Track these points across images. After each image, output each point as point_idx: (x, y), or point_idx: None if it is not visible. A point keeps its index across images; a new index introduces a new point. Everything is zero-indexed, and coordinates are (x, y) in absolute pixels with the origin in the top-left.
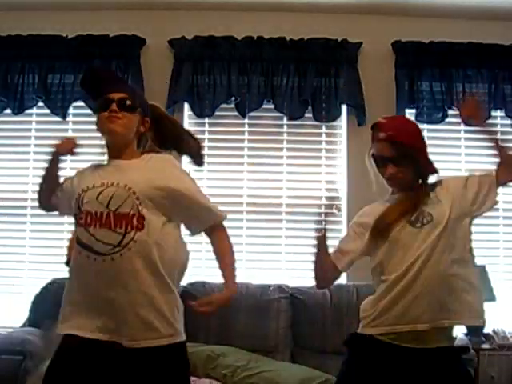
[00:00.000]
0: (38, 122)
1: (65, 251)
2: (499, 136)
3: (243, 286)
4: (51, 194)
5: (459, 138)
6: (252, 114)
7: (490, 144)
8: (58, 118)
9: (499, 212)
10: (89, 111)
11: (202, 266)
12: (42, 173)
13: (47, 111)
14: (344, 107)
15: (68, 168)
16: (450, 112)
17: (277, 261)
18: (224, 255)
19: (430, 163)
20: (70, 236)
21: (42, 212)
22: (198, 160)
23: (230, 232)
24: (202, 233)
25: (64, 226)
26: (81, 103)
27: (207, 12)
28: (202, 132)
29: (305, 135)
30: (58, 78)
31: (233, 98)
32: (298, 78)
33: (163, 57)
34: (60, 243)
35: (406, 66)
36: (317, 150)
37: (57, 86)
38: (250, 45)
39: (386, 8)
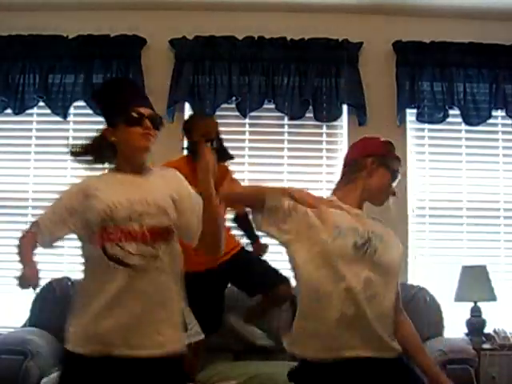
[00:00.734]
0: (38, 122)
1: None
2: None
3: None
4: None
5: (460, 138)
6: (253, 113)
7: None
8: (58, 118)
9: (499, 212)
10: (89, 111)
11: None
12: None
13: (48, 111)
14: (345, 107)
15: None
16: (451, 112)
17: (277, 261)
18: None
19: None
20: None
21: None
22: None
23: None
24: None
25: None
26: (82, 103)
27: (208, 12)
28: None
29: (306, 135)
30: (58, 78)
31: (233, 98)
32: (298, 78)
33: (164, 57)
34: (60, 243)
35: (406, 65)
36: (318, 150)
37: (57, 86)
38: (251, 45)
39: (386, 8)
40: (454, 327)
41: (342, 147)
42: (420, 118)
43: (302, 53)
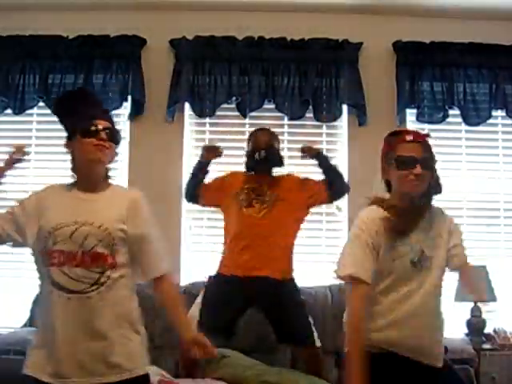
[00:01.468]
0: (38, 122)
1: None
2: None
3: None
4: None
5: (460, 138)
6: (253, 113)
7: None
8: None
9: (500, 212)
10: None
11: (202, 265)
12: None
13: (48, 111)
14: (345, 107)
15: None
16: (451, 112)
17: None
18: (176, 307)
19: (439, 179)
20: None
21: None
22: None
23: None
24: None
25: None
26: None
27: (208, 12)
28: (203, 132)
29: (305, 135)
30: (58, 78)
31: (234, 98)
32: (298, 78)
33: (164, 57)
34: None
35: (406, 65)
36: None
37: (57, 86)
38: (251, 45)
39: (386, 8)
40: (454, 327)
41: (342, 147)
42: (420, 118)
43: (301, 53)
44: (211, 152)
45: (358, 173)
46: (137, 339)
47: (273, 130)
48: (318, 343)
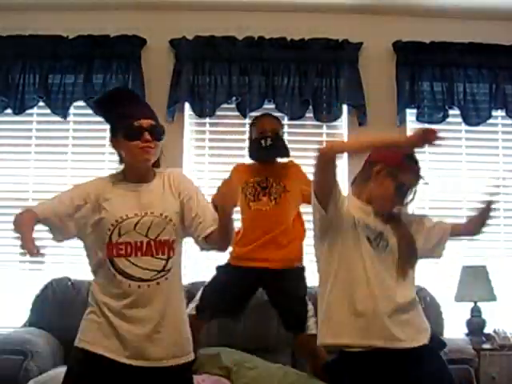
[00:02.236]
0: (38, 122)
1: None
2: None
3: None
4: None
5: (460, 138)
6: (253, 113)
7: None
8: (58, 118)
9: (500, 212)
10: (89, 111)
11: (203, 266)
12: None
13: (48, 111)
14: (345, 107)
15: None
16: (451, 112)
17: None
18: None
19: None
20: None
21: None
22: None
23: None
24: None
25: None
26: (81, 103)
27: (208, 12)
28: (203, 132)
29: (306, 135)
30: (58, 78)
31: (233, 98)
32: (298, 78)
33: (164, 57)
34: (60, 243)
35: (406, 65)
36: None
37: (57, 86)
38: (251, 45)
39: (386, 8)
40: (454, 327)
41: None
42: (420, 118)
43: (301, 53)
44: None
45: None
46: (188, 324)
47: None
48: (311, 331)
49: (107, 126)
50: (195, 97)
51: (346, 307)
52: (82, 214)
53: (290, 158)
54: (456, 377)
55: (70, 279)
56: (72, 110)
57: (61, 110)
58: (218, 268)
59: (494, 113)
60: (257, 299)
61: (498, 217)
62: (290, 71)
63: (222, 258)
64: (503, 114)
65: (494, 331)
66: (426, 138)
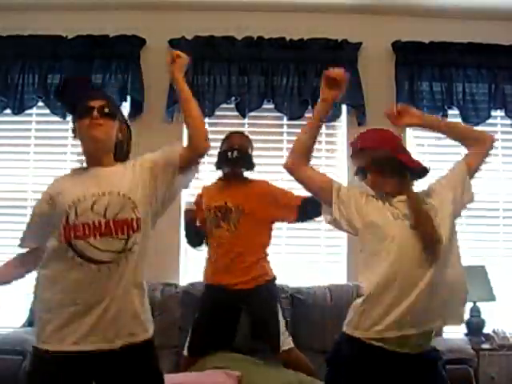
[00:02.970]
0: (38, 122)
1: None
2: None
3: None
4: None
5: None
6: (252, 113)
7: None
8: (57, 118)
9: (499, 212)
10: None
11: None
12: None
13: (47, 111)
14: (344, 107)
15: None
16: (450, 112)
17: (277, 261)
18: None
19: (413, 161)
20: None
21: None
22: None
23: None
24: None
25: None
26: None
27: (207, 12)
28: None
29: None
30: (58, 78)
31: (233, 98)
32: (297, 78)
33: (163, 57)
34: None
35: (405, 65)
36: (317, 150)
37: (57, 86)
38: (250, 45)
39: (386, 8)
40: (454, 327)
41: (341, 147)
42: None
43: (301, 53)
44: (188, 214)
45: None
46: (147, 302)
47: (272, 130)
48: (286, 346)
49: None
50: (194, 97)
51: None
52: (44, 217)
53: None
54: (455, 377)
55: None
56: None
57: (60, 110)
58: (200, 308)
59: (493, 113)
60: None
61: (497, 217)
62: (290, 71)
63: None
64: (502, 113)
65: (493, 331)
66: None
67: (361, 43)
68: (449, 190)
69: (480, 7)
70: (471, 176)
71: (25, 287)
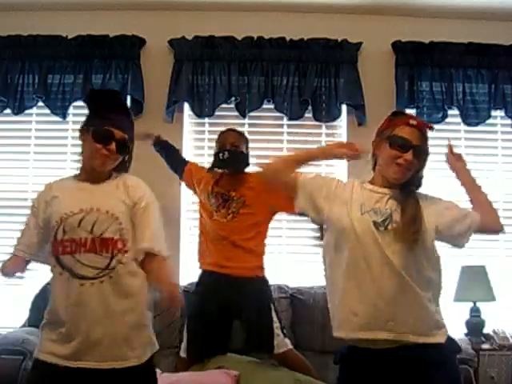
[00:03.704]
0: (37, 122)
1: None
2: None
3: None
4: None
5: (459, 138)
6: (252, 113)
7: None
8: (58, 118)
9: (499, 212)
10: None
11: None
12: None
13: (47, 111)
14: (344, 107)
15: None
16: (450, 112)
17: (277, 261)
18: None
19: (422, 175)
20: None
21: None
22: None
23: None
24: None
25: None
26: (81, 103)
27: (207, 12)
28: (202, 132)
29: (305, 135)
30: (57, 78)
31: (233, 98)
32: (298, 78)
33: (163, 57)
34: None
35: (405, 65)
36: None
37: (57, 86)
38: (250, 45)
39: (386, 8)
40: (454, 327)
41: None
42: (419, 118)
43: (301, 53)
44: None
45: (358, 172)
46: (147, 327)
47: (272, 130)
48: (282, 348)
49: None
50: (194, 97)
51: None
52: (39, 227)
53: (252, 160)
54: None
55: None
56: (71, 110)
57: (60, 110)
58: (189, 313)
59: (493, 113)
60: None
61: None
62: (290, 71)
63: None
64: (502, 114)
65: (493, 331)
66: (346, 152)
67: (361, 43)
68: (449, 216)
69: (480, 7)
70: (473, 232)
71: (25, 287)
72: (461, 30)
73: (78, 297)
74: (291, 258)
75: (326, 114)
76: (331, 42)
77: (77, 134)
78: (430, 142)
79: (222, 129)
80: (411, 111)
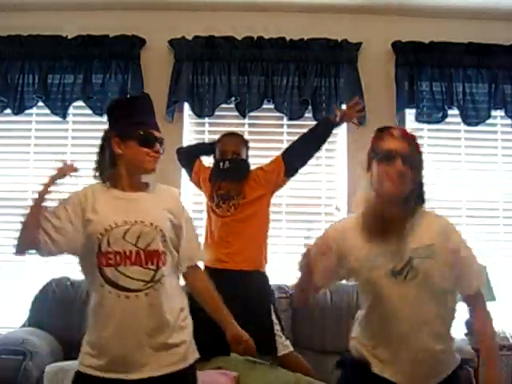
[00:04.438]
0: (37, 122)
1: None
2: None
3: None
4: (36, 229)
5: (459, 138)
6: (252, 113)
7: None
8: (58, 118)
9: (499, 212)
10: (89, 111)
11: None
12: (31, 205)
13: (47, 111)
14: (344, 107)
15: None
16: (450, 112)
17: (277, 261)
18: (215, 299)
19: (423, 187)
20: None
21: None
22: None
23: None
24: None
25: None
26: (81, 103)
27: (207, 12)
28: (202, 132)
29: None
30: (58, 78)
31: (233, 98)
32: (298, 78)
33: (163, 57)
34: None
35: (405, 66)
36: None
37: (57, 86)
38: (250, 45)
39: (386, 8)
40: (453, 327)
41: (341, 147)
42: (419, 118)
43: (301, 53)
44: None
45: (357, 172)
46: (186, 331)
47: (272, 130)
48: (283, 350)
49: (106, 126)
50: (194, 97)
51: None
52: (74, 227)
53: (252, 160)
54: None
55: (69, 279)
56: (71, 110)
57: (60, 110)
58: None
59: (493, 113)
60: None
61: (497, 217)
62: (290, 71)
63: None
64: (502, 114)
65: None
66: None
67: (361, 43)
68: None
69: (480, 7)
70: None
71: (24, 287)
72: (461, 30)
73: (122, 309)
74: (291, 258)
75: (326, 114)
76: (331, 42)
77: (77, 134)
78: (430, 142)
79: (222, 129)
80: (411, 111)
